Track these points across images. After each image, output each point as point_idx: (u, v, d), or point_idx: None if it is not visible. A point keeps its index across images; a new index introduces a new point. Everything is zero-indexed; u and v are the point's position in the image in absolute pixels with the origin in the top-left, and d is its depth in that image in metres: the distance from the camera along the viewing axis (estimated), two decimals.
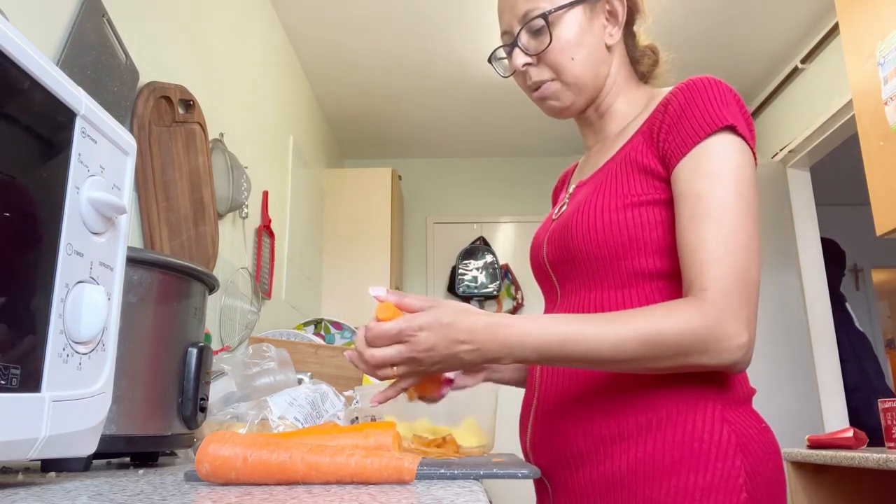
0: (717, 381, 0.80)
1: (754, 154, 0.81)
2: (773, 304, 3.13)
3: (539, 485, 0.93)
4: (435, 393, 0.88)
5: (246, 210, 2.26)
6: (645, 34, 1.00)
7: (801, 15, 2.91)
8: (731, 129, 0.79)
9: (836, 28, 2.79)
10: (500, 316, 0.76)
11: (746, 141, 0.80)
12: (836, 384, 3.10)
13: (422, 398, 0.93)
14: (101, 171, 0.61)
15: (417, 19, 2.92)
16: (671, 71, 1.01)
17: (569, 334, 0.73)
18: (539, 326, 0.74)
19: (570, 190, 0.99)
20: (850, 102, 2.66)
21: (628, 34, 0.98)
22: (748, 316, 0.73)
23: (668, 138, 0.82)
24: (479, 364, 0.76)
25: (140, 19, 1.63)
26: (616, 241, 0.83)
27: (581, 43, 0.91)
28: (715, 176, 0.77)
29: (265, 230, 2.57)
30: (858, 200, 3.75)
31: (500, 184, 4.40)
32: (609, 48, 0.94)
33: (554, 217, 0.98)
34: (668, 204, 0.82)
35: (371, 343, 0.76)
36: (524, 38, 0.93)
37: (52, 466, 0.69)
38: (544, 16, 0.90)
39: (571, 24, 0.91)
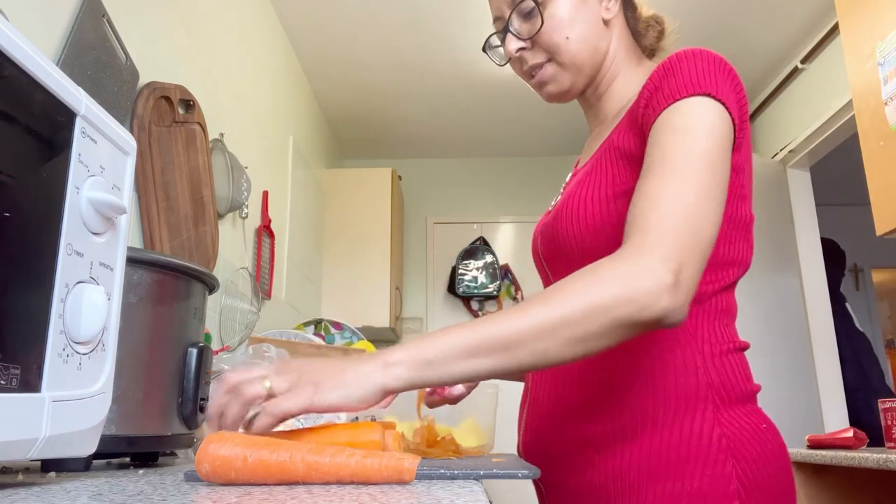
0: (712, 380, 0.75)
1: (736, 127, 0.74)
2: (773, 304, 3.13)
3: (536, 486, 0.92)
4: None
5: (246, 210, 2.26)
6: (647, 4, 0.94)
7: (801, 15, 2.90)
8: (708, 95, 0.72)
9: (836, 28, 2.78)
10: None
11: (727, 108, 0.73)
12: (836, 384, 3.10)
13: (438, 402, 0.93)
14: (101, 171, 0.61)
15: (417, 19, 2.92)
16: (679, 41, 0.93)
17: (479, 321, 0.64)
18: (442, 329, 0.65)
19: (567, 178, 0.97)
20: (850, 102, 2.66)
21: (628, 6, 0.93)
22: (677, 260, 0.63)
23: (646, 111, 0.76)
24: (356, 382, 0.61)
25: (140, 19, 1.63)
26: (600, 234, 0.79)
27: (575, 20, 0.86)
28: (682, 131, 0.70)
29: (265, 230, 2.57)
30: (858, 200, 3.75)
31: (500, 184, 4.40)
32: (606, 23, 0.89)
33: (550, 209, 0.95)
34: None
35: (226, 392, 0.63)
36: (516, 23, 0.89)
37: (52, 466, 0.69)
38: None
39: (563, 2, 0.87)
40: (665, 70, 0.76)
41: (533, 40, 0.88)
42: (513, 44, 0.90)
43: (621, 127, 0.83)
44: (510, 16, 0.89)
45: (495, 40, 0.96)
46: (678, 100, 0.73)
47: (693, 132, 0.70)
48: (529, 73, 0.92)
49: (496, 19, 0.93)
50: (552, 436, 0.83)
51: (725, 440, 0.72)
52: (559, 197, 0.93)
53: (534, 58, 0.90)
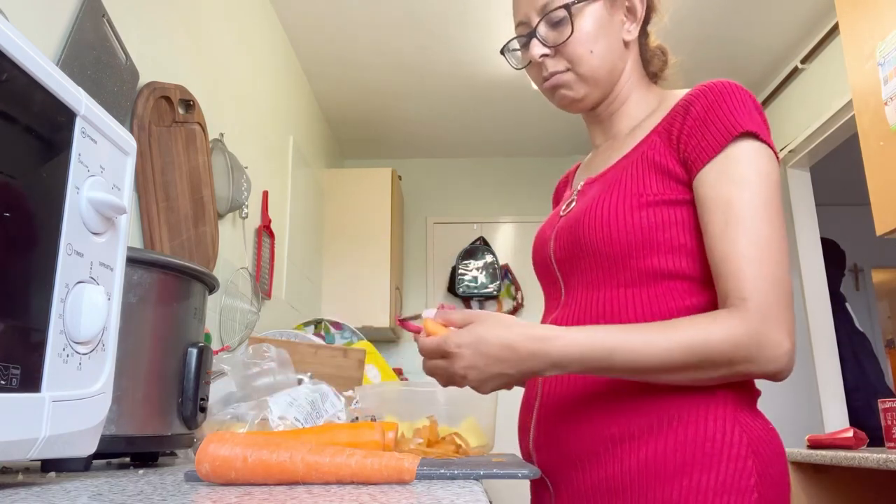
0: (728, 383, 0.79)
1: (778, 160, 0.82)
2: None
3: (539, 485, 0.92)
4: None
5: (246, 210, 2.26)
6: (655, 35, 1.00)
7: (801, 15, 2.91)
8: (755, 135, 0.79)
9: (836, 28, 2.78)
10: (543, 328, 0.76)
11: (771, 147, 0.80)
12: (836, 384, 3.10)
13: None
14: (101, 171, 0.61)
15: (417, 19, 2.92)
16: (678, 73, 1.00)
17: (615, 344, 0.73)
18: (584, 337, 0.75)
19: (579, 187, 0.98)
20: (850, 102, 2.66)
21: (642, 33, 0.98)
22: (789, 325, 0.73)
23: (690, 142, 0.81)
24: (522, 379, 0.79)
25: (140, 19, 1.63)
26: (629, 239, 0.83)
27: (600, 36, 0.91)
28: (743, 182, 0.77)
29: (265, 230, 2.57)
30: (858, 200, 3.75)
31: (500, 184, 4.40)
32: (626, 44, 0.94)
33: (562, 213, 0.97)
34: (685, 205, 0.82)
35: (421, 354, 0.81)
36: (543, 30, 0.92)
37: (52, 466, 0.69)
38: (567, 7, 0.90)
39: (591, 17, 0.91)
40: (708, 101, 0.81)
41: (557, 49, 0.92)
42: (537, 49, 0.93)
43: (652, 143, 0.86)
44: (539, 22, 0.92)
45: (515, 44, 0.99)
46: (727, 144, 0.79)
47: (753, 184, 0.77)
48: (545, 78, 0.95)
49: (520, 24, 0.96)
50: (571, 431, 0.84)
51: (746, 437, 0.77)
52: (574, 204, 0.95)
53: (555, 66, 0.93)
